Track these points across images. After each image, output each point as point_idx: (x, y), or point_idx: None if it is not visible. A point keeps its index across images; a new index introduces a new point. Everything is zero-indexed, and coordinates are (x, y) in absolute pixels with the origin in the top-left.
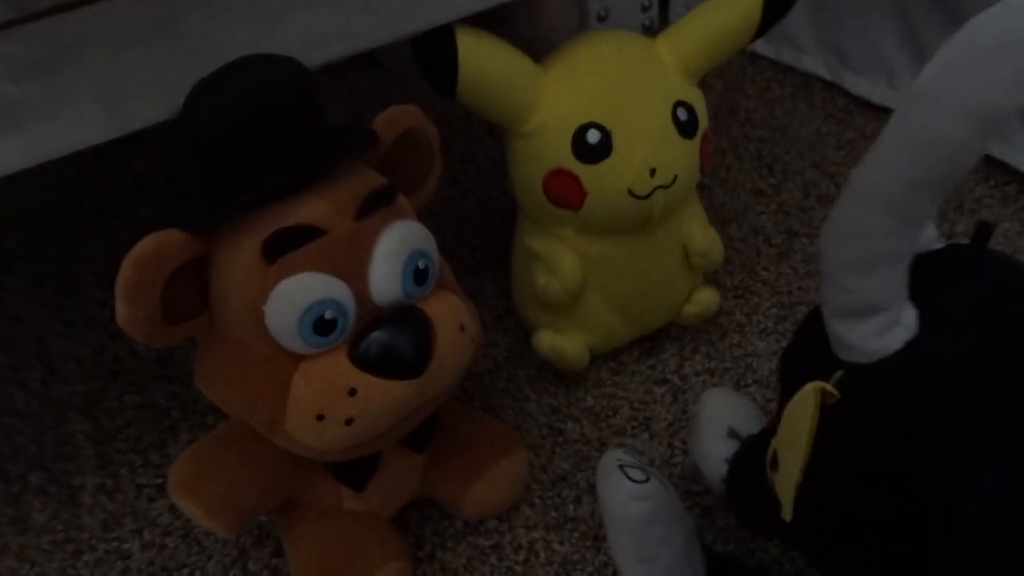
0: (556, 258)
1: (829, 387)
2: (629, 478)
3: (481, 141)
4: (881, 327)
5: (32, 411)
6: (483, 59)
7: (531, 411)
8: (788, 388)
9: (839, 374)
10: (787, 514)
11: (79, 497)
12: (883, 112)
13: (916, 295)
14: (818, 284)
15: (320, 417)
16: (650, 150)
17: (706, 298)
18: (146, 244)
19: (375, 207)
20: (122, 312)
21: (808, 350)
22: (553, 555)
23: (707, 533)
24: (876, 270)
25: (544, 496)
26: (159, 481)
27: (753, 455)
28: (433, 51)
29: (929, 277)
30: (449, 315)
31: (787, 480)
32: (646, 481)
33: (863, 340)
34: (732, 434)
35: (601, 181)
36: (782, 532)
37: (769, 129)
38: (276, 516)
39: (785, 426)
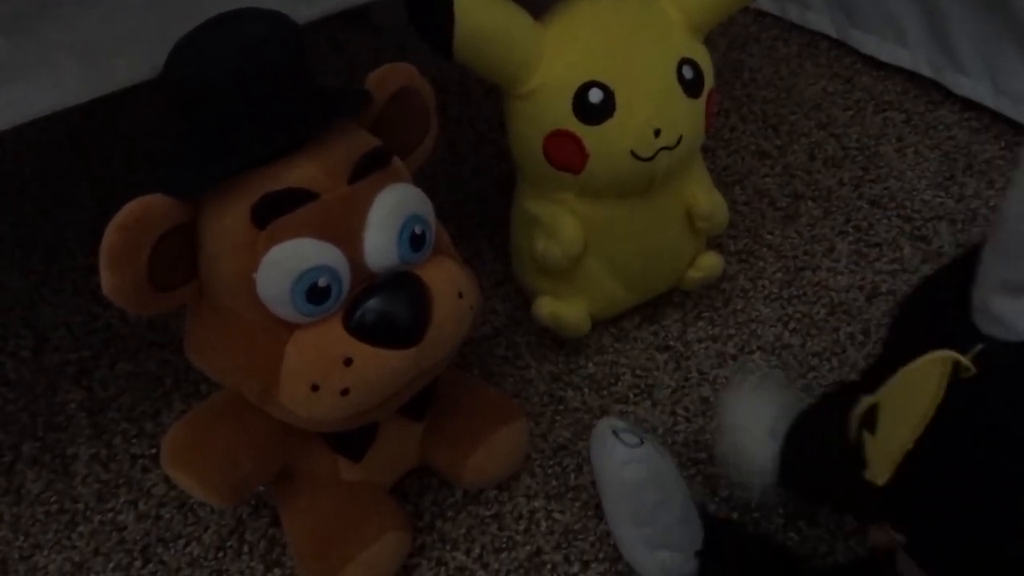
0: (556, 222)
1: (965, 361)
2: (623, 442)
3: (478, 103)
4: None
5: (23, 380)
6: (480, 16)
7: (531, 379)
8: (902, 345)
9: (978, 348)
10: (881, 477)
11: (73, 467)
12: (892, 71)
13: None
14: (824, 248)
15: (314, 387)
16: (654, 110)
17: (710, 263)
18: (131, 209)
19: (369, 170)
20: (107, 279)
21: (933, 320)
22: (554, 524)
23: (709, 503)
24: None
25: (545, 465)
26: (153, 451)
27: (826, 415)
28: (429, 7)
29: None
30: (447, 281)
31: (891, 444)
32: (640, 445)
33: (1019, 317)
34: (774, 434)
35: (603, 143)
36: (855, 496)
37: (774, 89)
38: (273, 487)
39: (897, 389)
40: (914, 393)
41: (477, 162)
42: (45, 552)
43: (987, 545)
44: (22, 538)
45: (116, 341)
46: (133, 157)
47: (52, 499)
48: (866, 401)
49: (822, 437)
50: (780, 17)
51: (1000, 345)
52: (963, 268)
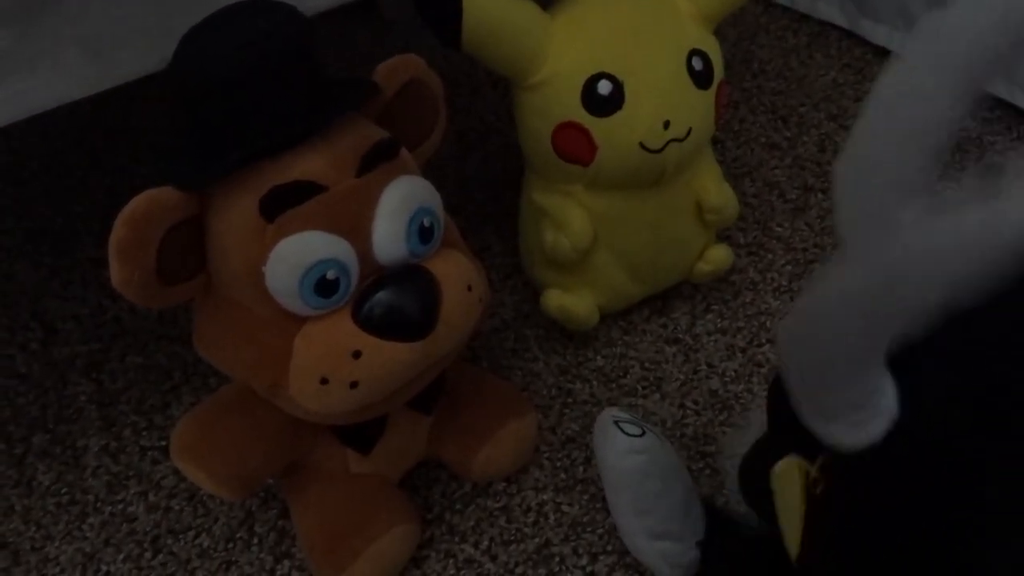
0: (565, 214)
1: (814, 473)
2: (624, 432)
3: (486, 95)
4: (859, 421)
5: (33, 373)
6: (488, 6)
7: (539, 372)
8: (774, 424)
9: (820, 460)
10: (792, 554)
11: (83, 459)
12: None
13: (894, 365)
14: (834, 241)
15: (324, 381)
16: (663, 101)
17: (719, 255)
18: (139, 202)
19: (377, 162)
20: (116, 272)
21: (789, 418)
22: (563, 517)
23: (718, 496)
24: (843, 380)
25: (553, 458)
26: (163, 443)
27: (760, 464)
28: None
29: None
30: (456, 274)
31: (786, 528)
32: (641, 435)
33: (842, 435)
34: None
35: (612, 135)
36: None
37: (784, 80)
38: (282, 479)
39: (776, 488)
40: (786, 499)
41: (485, 154)
42: (56, 543)
43: None
44: (34, 529)
45: (125, 334)
46: (142, 149)
47: (63, 491)
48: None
49: (756, 481)
50: (789, 8)
51: (842, 458)
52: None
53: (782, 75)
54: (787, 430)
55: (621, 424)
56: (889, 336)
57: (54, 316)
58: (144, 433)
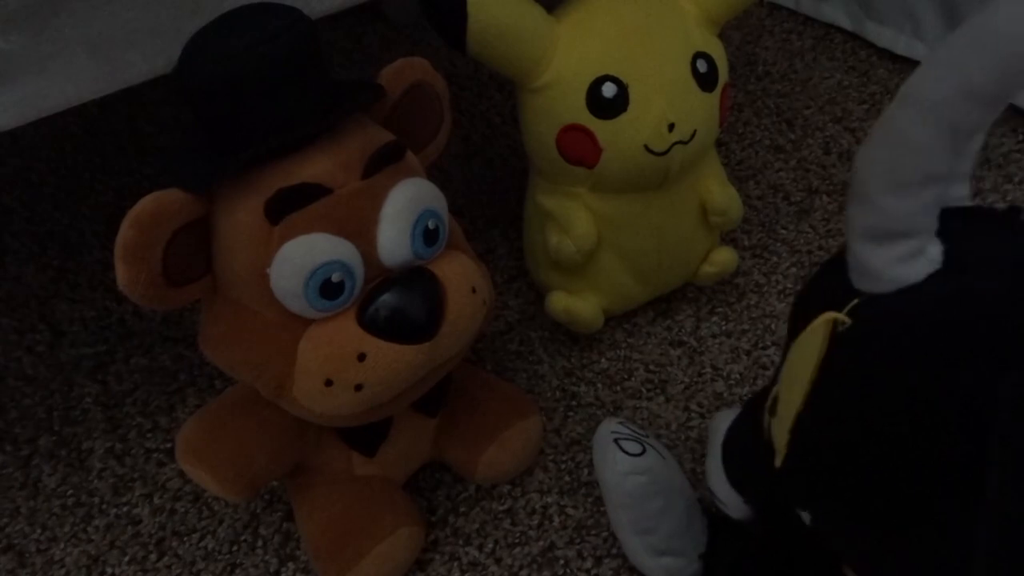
0: (569, 217)
1: (841, 316)
2: (624, 451)
3: (490, 97)
4: (906, 254)
5: (39, 375)
6: (493, 9)
7: (544, 374)
8: (796, 332)
9: (854, 302)
10: (779, 459)
11: (88, 461)
12: (907, 64)
13: (944, 236)
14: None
15: (328, 383)
16: (668, 104)
17: (724, 258)
18: (145, 204)
19: (383, 164)
20: (122, 274)
21: (819, 294)
22: (567, 520)
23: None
24: (912, 190)
25: (558, 460)
26: (168, 445)
27: (749, 412)
28: (442, 1)
29: (959, 224)
30: (460, 277)
31: (785, 415)
32: (642, 453)
33: (886, 265)
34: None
35: (617, 137)
36: (770, 486)
37: (788, 83)
38: (287, 481)
39: (789, 363)
40: (802, 359)
41: (490, 157)
42: (62, 545)
43: (886, 512)
44: (39, 531)
45: (131, 336)
46: (149, 152)
47: (68, 493)
48: (774, 390)
49: (742, 436)
50: (794, 10)
51: (876, 298)
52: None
53: (787, 78)
54: (815, 308)
55: (620, 442)
56: (960, 142)
57: (61, 318)
58: (149, 435)
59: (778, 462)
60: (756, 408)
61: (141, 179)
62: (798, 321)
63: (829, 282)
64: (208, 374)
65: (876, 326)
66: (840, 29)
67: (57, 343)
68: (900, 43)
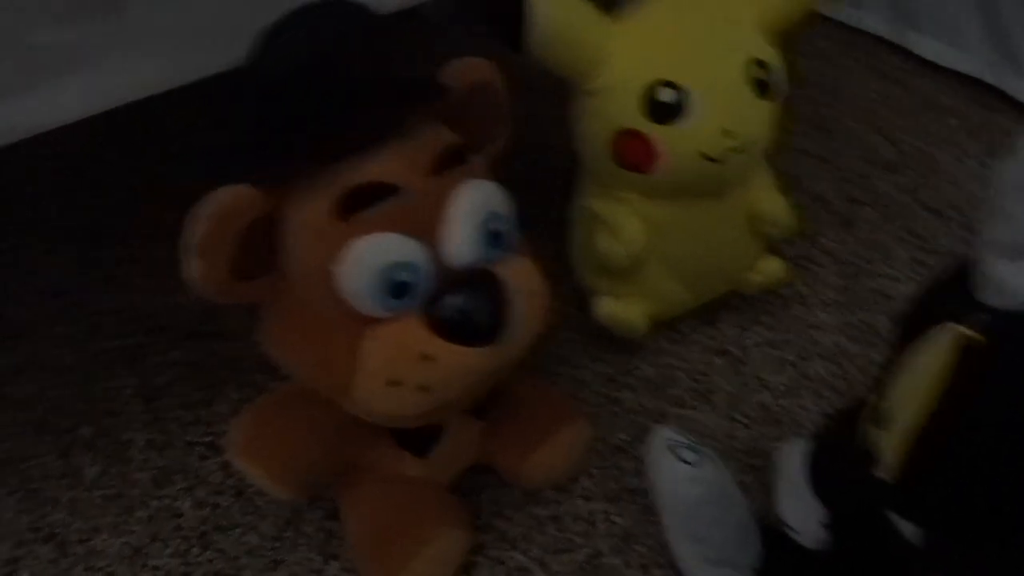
0: (619, 222)
1: (973, 333)
2: (681, 459)
3: (537, 98)
4: None
5: (77, 365)
6: (552, 8)
7: (585, 379)
8: (905, 345)
9: (982, 317)
10: (893, 469)
11: (128, 452)
12: (947, 73)
13: None
14: (882, 254)
15: (393, 383)
16: (725, 111)
17: (772, 267)
18: (221, 198)
19: (449, 164)
20: (195, 267)
21: (936, 308)
22: (613, 527)
23: (768, 509)
24: None
25: (602, 466)
26: (209, 439)
27: (838, 425)
28: (499, 0)
29: None
30: (524, 280)
31: (899, 429)
32: (698, 462)
33: (1014, 281)
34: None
35: (673, 143)
36: (873, 495)
37: (828, 92)
38: (335, 479)
39: (902, 376)
40: (921, 371)
41: (535, 158)
42: (104, 536)
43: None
44: (80, 521)
45: (164, 330)
46: (186, 151)
47: (110, 484)
48: (873, 399)
49: (833, 449)
50: (834, 19)
51: (1006, 314)
52: (959, 267)
53: (826, 87)
54: (934, 318)
55: (677, 449)
56: None
57: (95, 311)
58: (190, 427)
59: (887, 475)
60: (846, 420)
61: (176, 178)
62: (910, 334)
63: (946, 296)
64: (246, 368)
65: (1013, 346)
66: (880, 39)
67: (93, 335)
68: (942, 54)
